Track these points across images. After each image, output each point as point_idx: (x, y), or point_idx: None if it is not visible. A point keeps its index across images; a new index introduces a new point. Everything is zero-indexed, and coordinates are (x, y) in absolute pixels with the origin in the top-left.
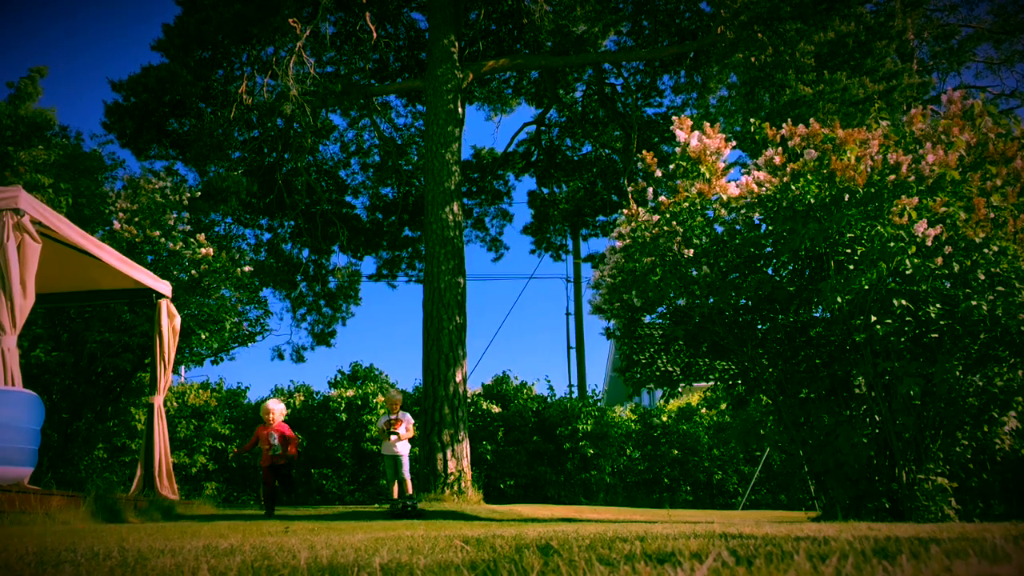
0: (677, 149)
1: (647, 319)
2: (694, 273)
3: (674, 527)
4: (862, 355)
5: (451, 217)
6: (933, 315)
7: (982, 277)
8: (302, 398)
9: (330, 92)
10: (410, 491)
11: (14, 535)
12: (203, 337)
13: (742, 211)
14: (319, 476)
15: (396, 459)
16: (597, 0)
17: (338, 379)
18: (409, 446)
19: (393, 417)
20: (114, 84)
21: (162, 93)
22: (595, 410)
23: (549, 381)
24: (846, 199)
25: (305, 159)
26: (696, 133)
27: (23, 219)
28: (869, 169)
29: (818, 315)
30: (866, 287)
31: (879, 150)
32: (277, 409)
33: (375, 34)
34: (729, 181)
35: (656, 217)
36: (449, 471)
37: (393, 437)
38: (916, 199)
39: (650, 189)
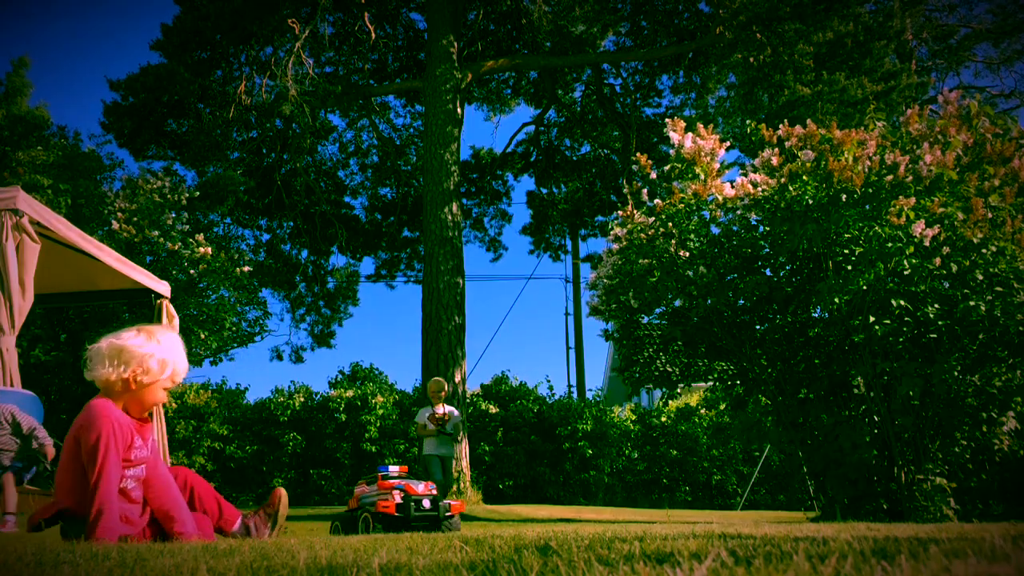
0: (673, 151)
1: (645, 320)
2: (691, 274)
3: (673, 527)
4: (861, 355)
5: (450, 217)
6: (932, 315)
7: (980, 277)
8: (301, 398)
9: (329, 92)
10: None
11: (13, 535)
12: (202, 337)
13: (739, 212)
14: (318, 477)
15: (444, 460)
16: (596, 0)
17: (339, 379)
18: (455, 446)
19: (440, 412)
20: (112, 84)
21: (160, 93)
22: (594, 410)
23: (550, 381)
24: (843, 200)
25: (304, 160)
26: (690, 135)
27: (22, 219)
28: (867, 169)
29: (817, 315)
30: (864, 288)
31: (876, 150)
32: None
33: (374, 34)
34: (725, 182)
35: (651, 219)
36: None
37: (429, 427)
38: (914, 199)
39: (645, 190)
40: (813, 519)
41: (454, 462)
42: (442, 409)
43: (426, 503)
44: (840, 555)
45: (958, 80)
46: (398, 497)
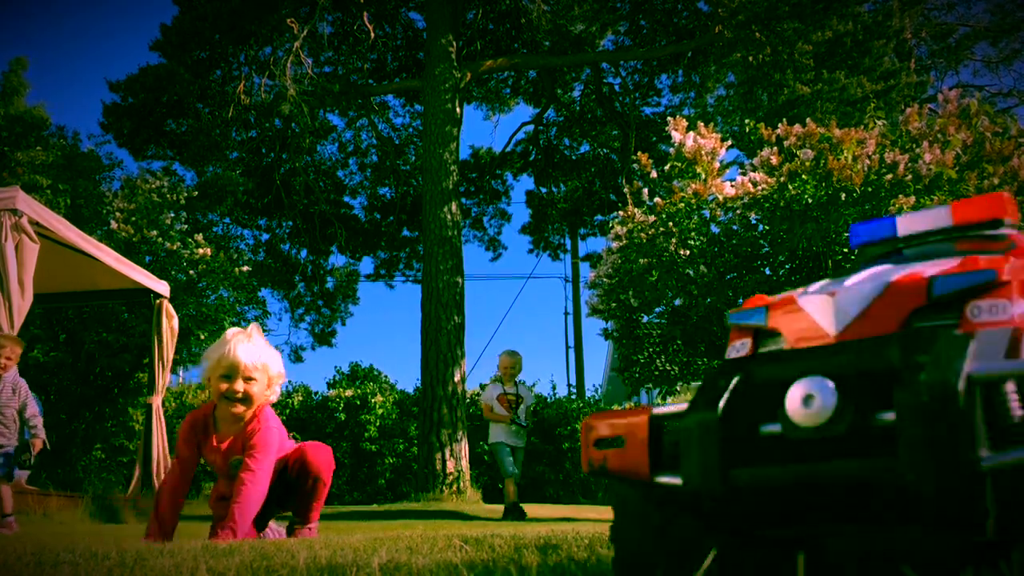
0: (672, 150)
1: (645, 319)
2: (691, 273)
3: None
4: None
5: (449, 217)
6: None
7: None
8: (301, 398)
9: (328, 92)
10: (513, 495)
11: (12, 535)
12: (201, 337)
13: (739, 211)
14: None
15: (516, 451)
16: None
17: (337, 379)
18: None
19: (510, 392)
20: (112, 84)
21: (160, 93)
22: (593, 411)
23: (554, 383)
24: (843, 198)
25: (303, 159)
26: (691, 133)
27: (21, 219)
28: (866, 168)
29: None
30: None
31: (876, 149)
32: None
33: (373, 34)
34: (725, 181)
35: (652, 218)
36: (448, 471)
37: (497, 410)
38: (913, 198)
39: (646, 189)
40: None
41: (452, 461)
42: (511, 392)
43: None
44: None
45: (957, 79)
46: None
